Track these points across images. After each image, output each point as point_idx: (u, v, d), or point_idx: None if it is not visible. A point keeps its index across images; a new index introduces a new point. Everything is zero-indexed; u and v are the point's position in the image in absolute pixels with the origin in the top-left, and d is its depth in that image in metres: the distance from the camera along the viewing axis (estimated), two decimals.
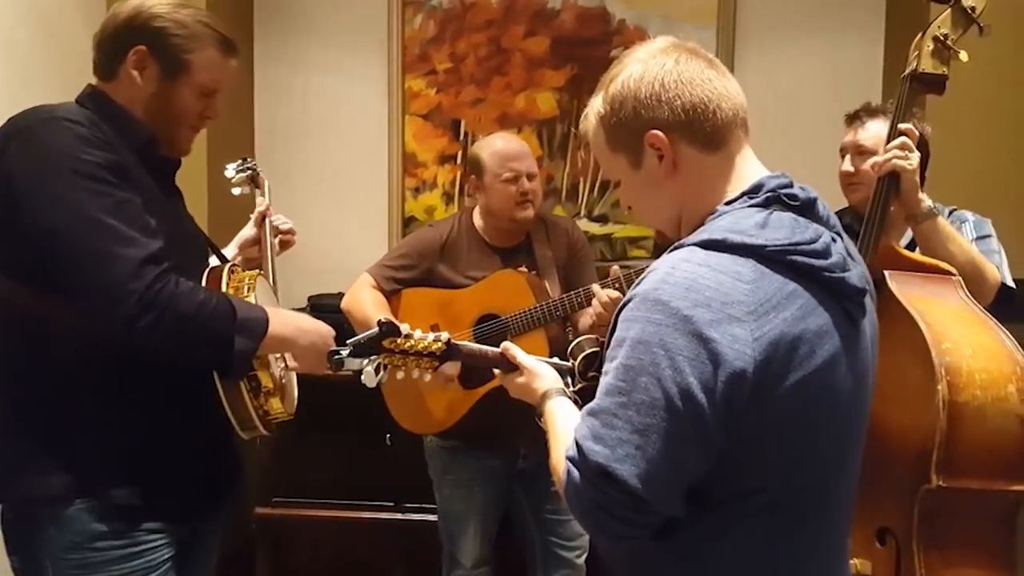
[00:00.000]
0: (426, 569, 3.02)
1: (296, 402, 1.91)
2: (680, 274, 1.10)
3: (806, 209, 1.19)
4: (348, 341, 1.58)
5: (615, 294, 2.32)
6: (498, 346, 2.47)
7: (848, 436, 1.21)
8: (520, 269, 2.59)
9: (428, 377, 1.64)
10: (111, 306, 1.49)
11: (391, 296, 2.62)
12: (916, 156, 1.92)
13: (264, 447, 3.16)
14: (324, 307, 3.44)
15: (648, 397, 1.06)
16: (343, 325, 3.09)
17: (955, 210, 2.19)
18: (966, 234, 2.12)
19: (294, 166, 3.75)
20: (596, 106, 1.26)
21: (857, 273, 1.18)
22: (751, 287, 1.08)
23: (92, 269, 1.49)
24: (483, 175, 2.56)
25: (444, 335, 1.62)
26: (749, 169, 1.22)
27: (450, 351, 1.62)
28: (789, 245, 1.12)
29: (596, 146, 1.28)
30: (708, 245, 1.12)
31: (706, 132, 1.19)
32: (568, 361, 1.60)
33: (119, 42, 1.65)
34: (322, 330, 1.77)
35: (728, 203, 1.19)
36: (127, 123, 1.64)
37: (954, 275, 1.91)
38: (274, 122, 3.72)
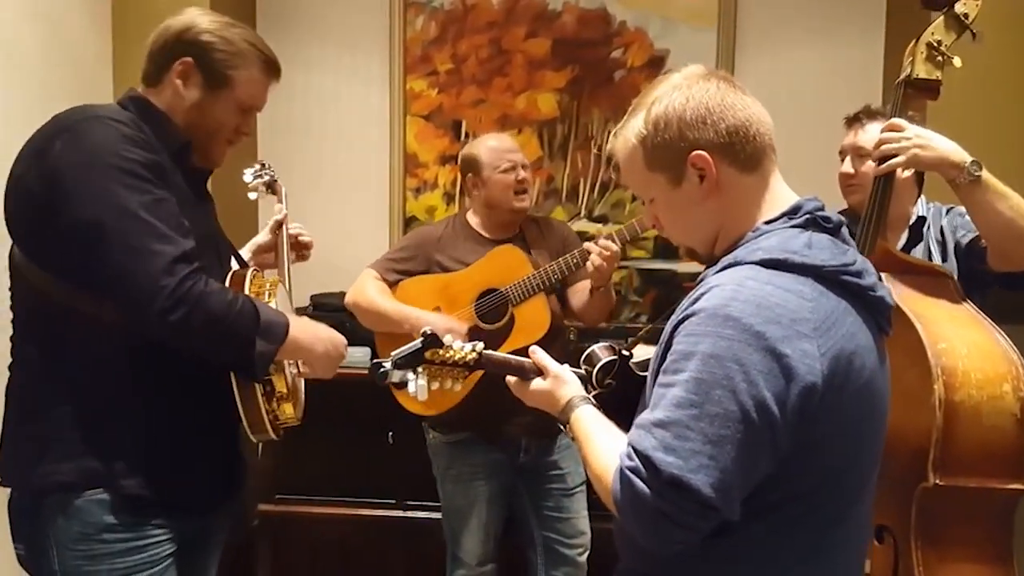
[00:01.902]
0: (427, 566, 3.04)
1: (304, 409, 1.94)
2: (748, 292, 1.15)
3: (836, 231, 1.27)
4: (392, 354, 1.59)
5: (612, 246, 2.41)
6: (501, 316, 2.58)
7: (878, 444, 1.30)
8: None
9: (459, 387, 1.64)
10: (144, 300, 1.53)
11: (392, 286, 2.69)
12: (907, 138, 1.91)
13: (267, 444, 3.18)
14: (326, 306, 3.46)
15: (722, 409, 1.10)
16: (344, 324, 3.13)
17: (952, 207, 2.21)
18: (969, 225, 2.11)
19: (296, 166, 3.76)
20: (636, 127, 1.30)
21: (886, 291, 1.28)
22: (813, 305, 1.15)
23: (130, 263, 1.53)
24: (481, 170, 2.65)
25: (479, 345, 1.63)
26: (782, 190, 1.29)
27: (481, 361, 1.62)
28: (840, 266, 1.20)
29: (631, 165, 1.32)
30: (770, 264, 1.18)
31: (747, 153, 1.25)
32: (581, 368, 1.59)
33: (168, 52, 1.72)
34: (336, 339, 1.82)
35: (768, 222, 1.25)
36: (165, 127, 1.71)
37: (949, 276, 1.93)
38: (276, 122, 3.73)
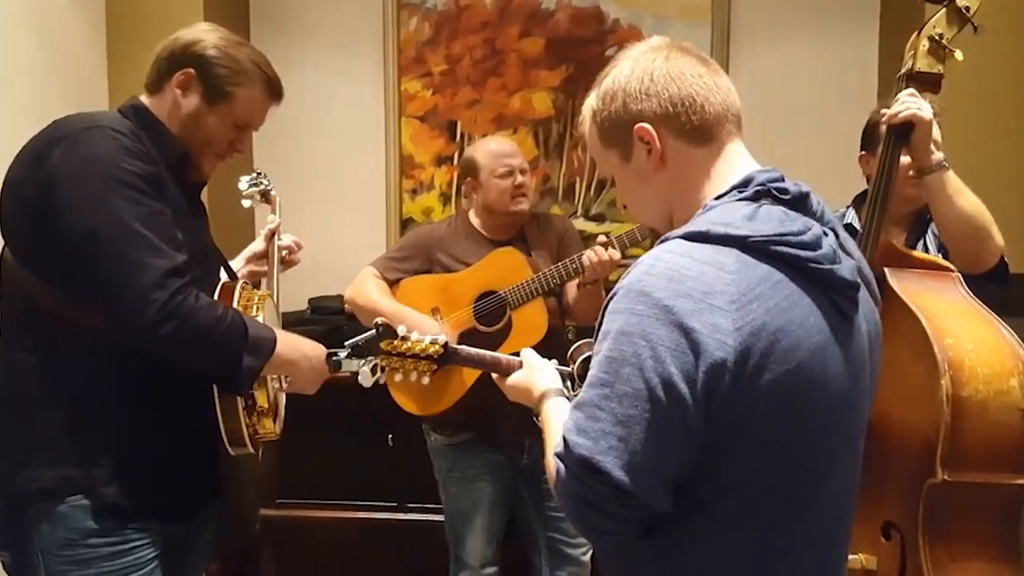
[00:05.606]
0: (429, 569, 3.03)
1: (283, 423, 1.93)
2: (663, 265, 1.10)
3: (798, 203, 1.18)
4: (346, 343, 1.60)
5: (608, 252, 2.42)
6: (499, 319, 2.59)
7: (840, 434, 1.18)
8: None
9: (426, 380, 1.65)
10: (134, 312, 1.54)
11: (393, 285, 2.69)
12: (928, 107, 1.92)
13: (267, 449, 3.16)
14: (325, 309, 3.45)
15: (631, 388, 1.06)
16: (343, 327, 3.14)
17: None
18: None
19: (291, 169, 3.74)
20: (590, 103, 1.28)
21: (848, 267, 1.17)
22: (734, 277, 1.08)
23: (121, 275, 1.54)
24: (479, 174, 2.65)
25: (441, 337, 1.63)
26: (739, 164, 1.22)
27: (447, 354, 1.63)
28: (774, 236, 1.11)
29: (591, 143, 1.30)
30: (692, 237, 1.12)
31: (694, 125, 1.20)
32: (568, 365, 1.59)
33: (172, 62, 1.74)
34: (320, 354, 1.83)
35: (717, 198, 1.18)
36: (163, 137, 1.72)
37: (953, 271, 1.93)
38: (270, 125, 3.62)
